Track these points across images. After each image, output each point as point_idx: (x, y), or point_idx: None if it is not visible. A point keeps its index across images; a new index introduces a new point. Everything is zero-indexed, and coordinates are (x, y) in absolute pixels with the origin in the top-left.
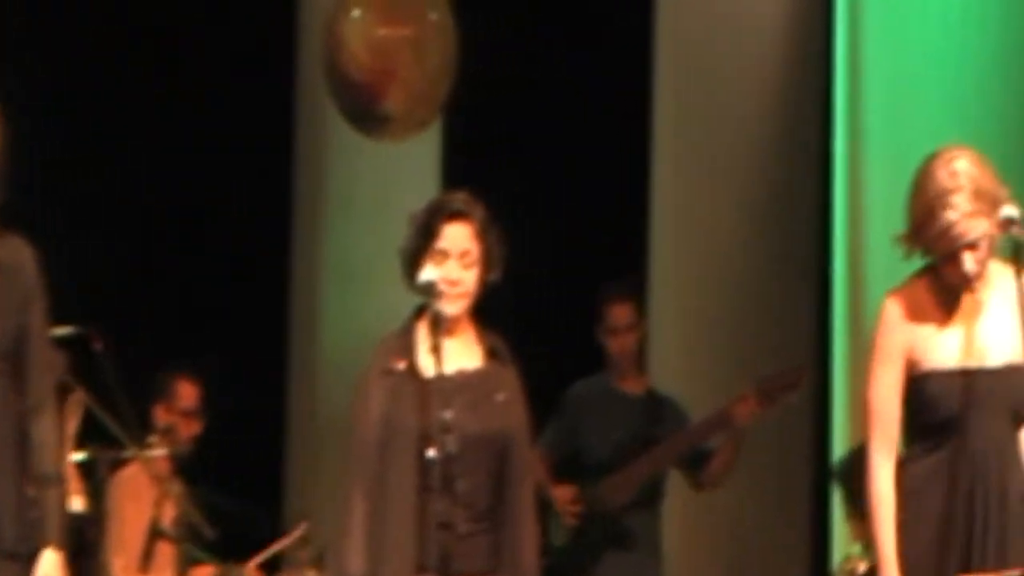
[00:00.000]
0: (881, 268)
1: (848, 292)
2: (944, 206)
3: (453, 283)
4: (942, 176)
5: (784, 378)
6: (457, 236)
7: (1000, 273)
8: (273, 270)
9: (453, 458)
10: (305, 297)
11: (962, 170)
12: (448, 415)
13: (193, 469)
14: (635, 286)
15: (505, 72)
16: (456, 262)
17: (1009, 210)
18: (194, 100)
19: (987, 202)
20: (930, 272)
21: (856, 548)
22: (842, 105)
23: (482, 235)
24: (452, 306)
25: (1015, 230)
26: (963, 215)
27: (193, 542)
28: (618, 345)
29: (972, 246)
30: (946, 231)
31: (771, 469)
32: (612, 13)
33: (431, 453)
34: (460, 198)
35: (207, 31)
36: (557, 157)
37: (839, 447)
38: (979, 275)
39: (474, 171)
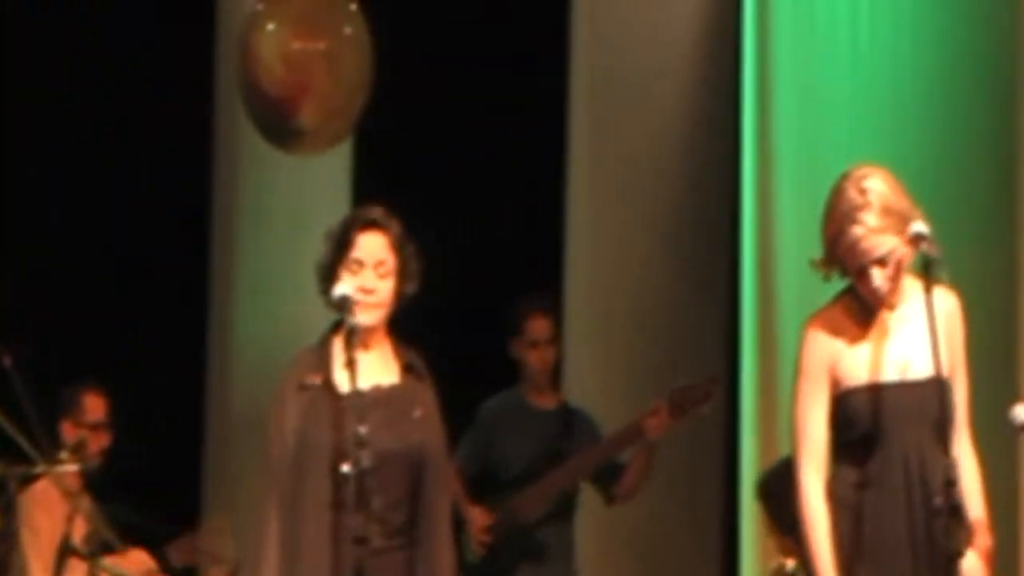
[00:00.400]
0: (791, 283)
1: (757, 307)
2: (852, 221)
3: (368, 291)
4: (852, 194)
5: (697, 390)
6: (372, 246)
7: (920, 289)
8: (189, 282)
9: (368, 473)
10: (220, 309)
11: (871, 187)
12: (363, 430)
13: (104, 483)
14: (552, 300)
15: (417, 86)
16: (371, 271)
17: (918, 226)
18: (112, 112)
19: (896, 219)
20: (848, 293)
21: (775, 562)
22: (750, 122)
23: (398, 247)
24: (367, 315)
25: (924, 246)
26: (870, 230)
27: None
28: (538, 358)
29: (881, 262)
30: (853, 246)
31: (682, 482)
32: (526, 29)
33: (345, 468)
34: (376, 210)
35: (126, 43)
36: (470, 172)
37: (748, 460)
38: (891, 291)
39: (386, 185)
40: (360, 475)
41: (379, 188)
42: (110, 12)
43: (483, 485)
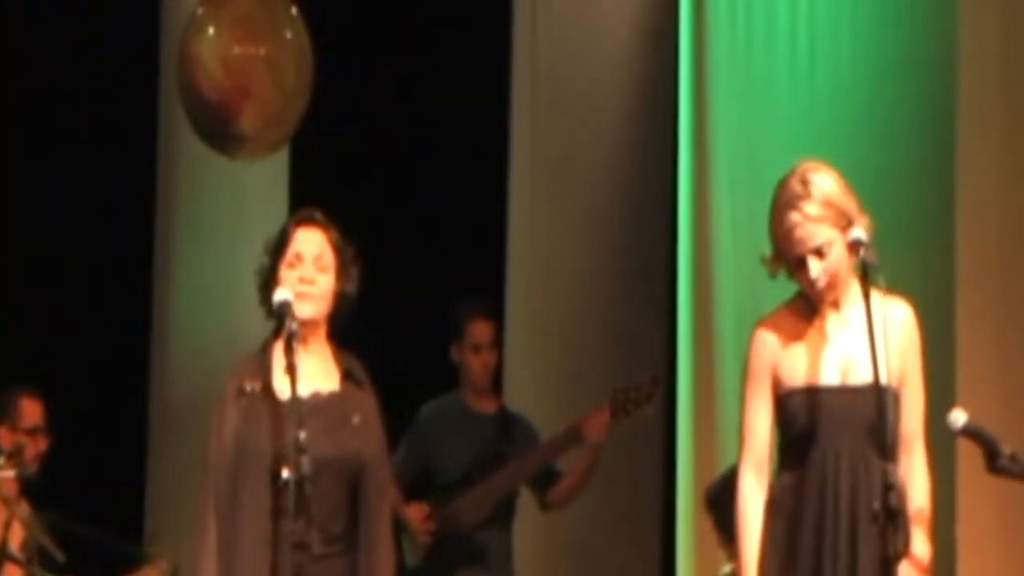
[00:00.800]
0: (728, 285)
1: (694, 310)
2: (791, 209)
3: (308, 281)
4: (794, 184)
5: (639, 391)
6: (311, 239)
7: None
8: (130, 287)
9: (308, 479)
10: (161, 314)
11: (814, 180)
12: (303, 436)
13: (43, 489)
14: (494, 304)
15: (355, 91)
16: (311, 264)
17: (857, 232)
18: (55, 115)
19: (836, 213)
20: (799, 297)
21: (727, 567)
22: (687, 124)
23: (337, 245)
24: (308, 306)
25: (863, 252)
26: (806, 218)
27: (42, 565)
28: (479, 363)
29: (818, 252)
30: (790, 233)
31: (621, 484)
32: (466, 34)
33: (285, 474)
34: (316, 211)
35: (68, 47)
36: (410, 182)
37: (684, 462)
38: (831, 287)
39: (324, 189)
40: (300, 481)
41: (318, 191)
42: (51, 14)
43: (422, 489)
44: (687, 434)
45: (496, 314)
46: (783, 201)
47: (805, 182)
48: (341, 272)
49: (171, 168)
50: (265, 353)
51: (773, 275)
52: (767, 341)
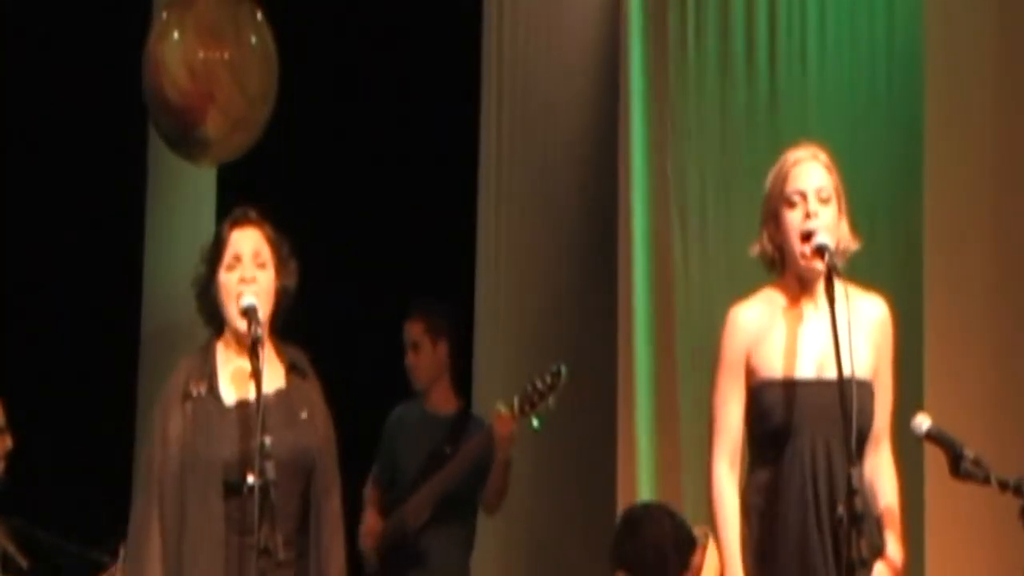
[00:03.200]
0: (681, 288)
1: (650, 320)
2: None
3: (249, 280)
4: (800, 150)
5: (543, 383)
6: (247, 238)
7: (843, 291)
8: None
9: (272, 484)
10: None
11: (820, 154)
12: (268, 441)
13: (6, 494)
14: (431, 306)
15: (324, 96)
16: (250, 262)
17: (822, 237)
18: (53, 129)
19: (838, 186)
20: (774, 284)
21: None
22: (640, 129)
23: (273, 242)
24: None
25: (828, 258)
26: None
27: (5, 571)
28: (409, 362)
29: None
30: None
31: (574, 487)
32: (438, 46)
33: (250, 480)
34: (249, 209)
35: (60, 58)
36: (380, 191)
37: (645, 470)
38: (818, 248)
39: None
40: (265, 487)
41: (280, 196)
42: (43, 25)
43: (391, 493)
44: (647, 434)
45: (430, 314)
46: (791, 153)
47: (815, 153)
48: (280, 267)
49: (167, 178)
50: (207, 355)
51: (761, 257)
52: (741, 327)
